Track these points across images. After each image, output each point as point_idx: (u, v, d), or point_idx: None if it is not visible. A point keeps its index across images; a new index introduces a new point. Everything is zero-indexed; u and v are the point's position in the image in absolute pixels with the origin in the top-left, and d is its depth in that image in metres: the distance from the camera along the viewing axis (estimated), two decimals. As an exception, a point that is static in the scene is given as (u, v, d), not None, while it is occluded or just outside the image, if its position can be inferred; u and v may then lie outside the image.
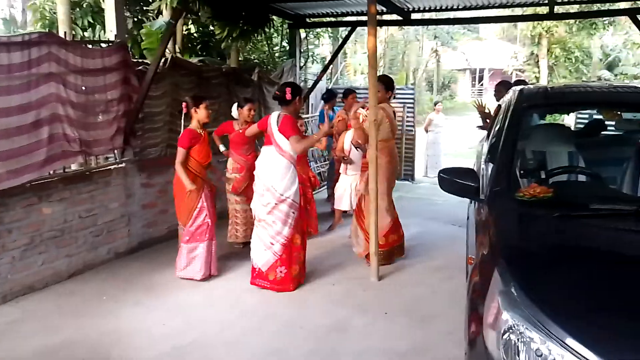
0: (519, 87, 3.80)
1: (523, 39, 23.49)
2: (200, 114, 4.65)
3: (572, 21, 19.10)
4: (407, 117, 9.95)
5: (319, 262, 5.20)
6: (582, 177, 3.34)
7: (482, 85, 39.38)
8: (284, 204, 4.30)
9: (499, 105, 4.87)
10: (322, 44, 16.94)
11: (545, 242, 2.21)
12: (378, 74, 4.72)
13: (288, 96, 4.33)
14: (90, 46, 5.11)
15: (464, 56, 29.59)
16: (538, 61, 20.98)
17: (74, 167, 5.08)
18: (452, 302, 4.22)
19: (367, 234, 4.99)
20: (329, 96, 7.41)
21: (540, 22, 18.82)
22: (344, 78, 18.59)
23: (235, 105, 5.59)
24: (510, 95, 3.59)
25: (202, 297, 4.41)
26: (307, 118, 9.25)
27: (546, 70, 20.75)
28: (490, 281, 2.06)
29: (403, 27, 22.02)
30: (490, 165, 3.19)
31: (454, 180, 2.89)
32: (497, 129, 3.34)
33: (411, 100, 10.07)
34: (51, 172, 4.60)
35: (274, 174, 4.31)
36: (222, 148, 5.68)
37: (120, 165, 5.35)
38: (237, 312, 4.15)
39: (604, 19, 18.03)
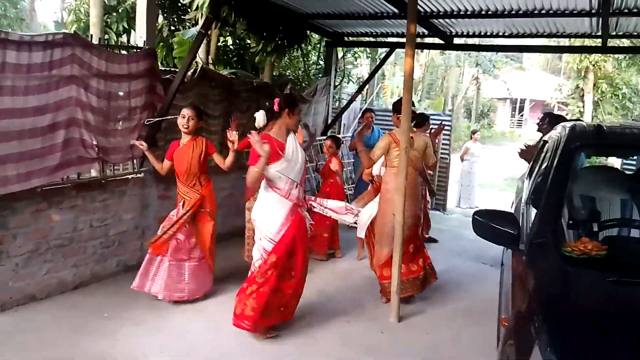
0: (569, 123, 3.43)
1: (568, 72, 22.76)
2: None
3: (621, 56, 18.43)
4: (442, 144, 9.57)
5: (338, 293, 4.87)
6: (636, 231, 2.95)
7: (522, 115, 38.53)
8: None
9: (544, 141, 4.49)
10: (361, 64, 16.73)
11: (597, 316, 1.83)
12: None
13: (275, 107, 3.84)
14: (117, 51, 4.97)
15: (505, 85, 28.90)
16: (583, 95, 20.27)
17: (89, 174, 4.90)
18: (475, 352, 3.83)
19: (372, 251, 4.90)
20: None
21: (588, 55, 18.23)
22: (380, 100, 18.29)
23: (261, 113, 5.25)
24: (560, 131, 3.22)
25: (205, 322, 4.13)
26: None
27: (591, 105, 20.01)
28: (530, 358, 1.70)
29: (444, 51, 21.69)
30: (533, 210, 2.82)
31: (490, 225, 2.54)
32: (543, 167, 2.97)
33: (447, 127, 9.69)
34: (64, 178, 4.42)
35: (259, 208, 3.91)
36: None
37: (138, 175, 5.15)
38: (240, 343, 3.83)
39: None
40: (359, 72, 16.18)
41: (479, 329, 4.25)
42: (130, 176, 5.10)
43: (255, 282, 3.78)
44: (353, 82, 11.62)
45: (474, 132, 11.98)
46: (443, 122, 7.69)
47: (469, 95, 30.78)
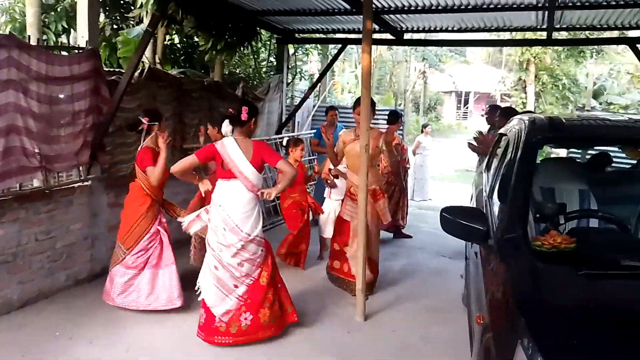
0: (526, 116, 3.46)
1: (510, 65, 23.53)
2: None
3: (560, 48, 19.18)
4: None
5: (301, 297, 4.76)
6: (595, 220, 3.01)
7: (467, 108, 39.62)
8: (252, 243, 3.74)
9: (500, 134, 4.55)
10: (311, 61, 16.65)
11: (576, 312, 1.81)
12: (363, 97, 4.32)
13: (244, 116, 3.71)
14: (57, 52, 4.67)
15: (451, 79, 29.63)
16: (525, 87, 21.00)
17: (32, 184, 4.60)
18: (446, 349, 3.83)
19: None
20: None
21: (529, 48, 18.87)
22: (332, 96, 18.28)
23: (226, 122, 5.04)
24: (519, 124, 3.24)
25: (167, 335, 3.93)
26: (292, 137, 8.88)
27: (533, 96, 20.76)
28: (513, 356, 1.67)
29: (392, 47, 21.93)
30: (497, 204, 2.82)
31: (459, 222, 2.52)
32: (505, 161, 2.97)
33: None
34: (4, 190, 4.11)
35: (238, 211, 3.66)
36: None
37: (85, 184, 4.87)
38: (204, 353, 3.68)
39: (593, 47, 18.12)
40: (309, 69, 16.10)
41: (447, 325, 4.26)
42: (76, 184, 4.81)
43: (261, 284, 3.83)
44: (305, 79, 11.53)
45: (425, 126, 12.12)
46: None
47: (417, 89, 31.33)
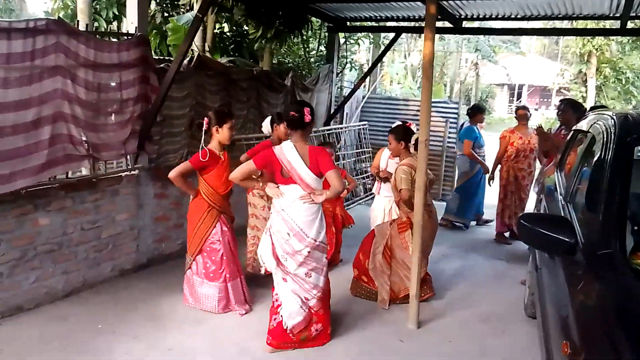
0: (609, 112, 3.08)
1: (571, 57, 22.34)
2: (222, 134, 3.99)
3: (624, 40, 18.05)
4: (449, 133, 9.21)
5: (349, 299, 4.52)
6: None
7: (519, 101, 38.17)
8: (317, 250, 3.50)
9: (574, 131, 4.14)
10: (359, 51, 16.25)
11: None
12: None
13: (307, 118, 3.41)
14: (106, 39, 4.56)
15: (505, 71, 28.43)
16: (586, 80, 19.92)
17: (79, 173, 4.53)
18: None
19: (392, 291, 4.39)
20: (475, 111, 6.82)
21: (591, 39, 17.85)
22: (380, 88, 17.86)
23: (268, 119, 4.78)
24: (605, 122, 2.86)
25: (206, 338, 3.74)
26: (341, 129, 8.62)
27: (594, 90, 19.67)
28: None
29: (443, 37, 21.21)
30: (583, 212, 2.48)
31: (541, 232, 2.20)
32: (592, 163, 2.61)
33: (454, 115, 9.35)
34: (51, 178, 4.04)
35: (302, 215, 3.43)
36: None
37: (132, 173, 4.78)
38: (245, 357, 3.50)
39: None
40: (357, 58, 15.72)
41: (505, 337, 3.93)
42: (123, 174, 4.72)
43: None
44: (355, 69, 11.21)
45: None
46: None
47: (468, 81, 30.33)
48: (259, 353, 3.55)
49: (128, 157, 4.76)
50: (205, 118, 4.00)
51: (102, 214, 4.50)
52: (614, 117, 2.74)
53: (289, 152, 3.42)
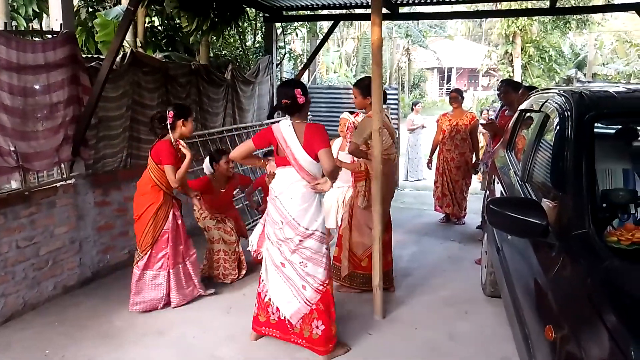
0: (564, 89, 3.13)
1: (495, 38, 23.20)
2: (187, 127, 4.08)
3: (546, 20, 18.91)
4: (391, 119, 9.25)
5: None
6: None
7: (449, 84, 39.32)
8: (310, 239, 3.29)
9: (521, 111, 4.21)
10: (294, 41, 16.08)
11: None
12: (354, 75, 3.92)
13: (301, 99, 3.25)
14: (29, 38, 4.19)
15: (435, 55, 29.15)
16: (512, 60, 20.76)
17: (9, 186, 4.14)
18: (477, 350, 3.52)
19: (353, 255, 4.37)
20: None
21: (515, 20, 18.57)
22: (318, 77, 17.80)
23: (207, 160, 4.82)
24: (559, 99, 2.89)
25: (171, 350, 3.53)
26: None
27: (520, 69, 20.54)
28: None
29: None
30: (547, 194, 2.49)
31: (512, 215, 2.18)
32: (555, 144, 2.62)
33: (395, 101, 9.39)
34: (-22, 194, 3.67)
35: (295, 203, 3.26)
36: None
37: (68, 182, 4.43)
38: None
39: (578, 17, 17.87)
40: (293, 48, 15.55)
41: (470, 320, 3.96)
42: (58, 184, 4.36)
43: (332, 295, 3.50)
44: (293, 59, 11.04)
45: (415, 104, 11.76)
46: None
47: (401, 66, 30.88)
48: (232, 358, 3.39)
49: (62, 165, 4.40)
50: (170, 112, 4.00)
51: (39, 229, 4.15)
52: (567, 95, 2.77)
53: (285, 130, 3.27)
